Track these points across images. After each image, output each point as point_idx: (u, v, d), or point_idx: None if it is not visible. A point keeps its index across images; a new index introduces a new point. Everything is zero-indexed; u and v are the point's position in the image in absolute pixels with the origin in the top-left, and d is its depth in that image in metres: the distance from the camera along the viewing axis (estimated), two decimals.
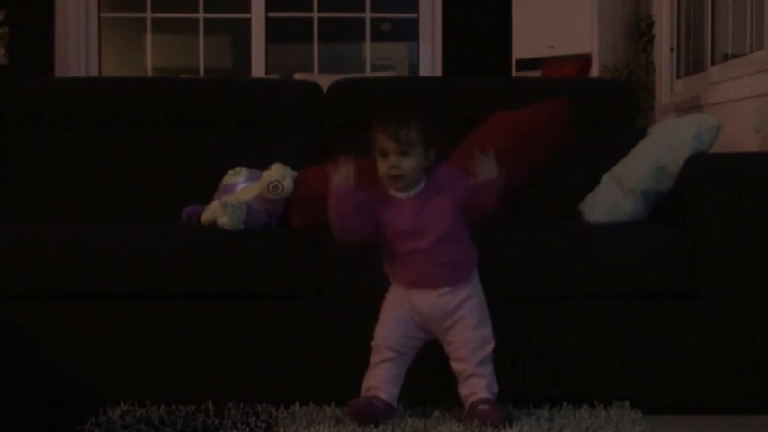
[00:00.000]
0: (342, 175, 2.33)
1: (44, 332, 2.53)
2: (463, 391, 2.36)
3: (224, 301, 2.54)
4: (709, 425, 2.44)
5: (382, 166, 2.36)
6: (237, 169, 2.83)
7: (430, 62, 6.09)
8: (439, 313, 2.36)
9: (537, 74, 5.12)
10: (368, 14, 6.38)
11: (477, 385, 2.34)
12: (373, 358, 2.39)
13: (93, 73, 5.96)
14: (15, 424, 2.44)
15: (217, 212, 2.59)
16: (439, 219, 2.35)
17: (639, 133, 2.94)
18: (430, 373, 2.42)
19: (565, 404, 2.47)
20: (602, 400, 2.48)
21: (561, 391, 2.51)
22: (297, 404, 2.49)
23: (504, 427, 2.27)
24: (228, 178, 2.82)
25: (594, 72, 5.04)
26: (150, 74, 6.43)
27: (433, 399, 2.47)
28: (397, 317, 2.38)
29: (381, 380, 2.36)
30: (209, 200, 2.78)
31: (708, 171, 2.58)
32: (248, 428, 2.30)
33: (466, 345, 2.34)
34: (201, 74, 6.33)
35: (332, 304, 2.53)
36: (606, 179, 2.84)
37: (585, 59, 5.02)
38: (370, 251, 2.43)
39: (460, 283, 2.37)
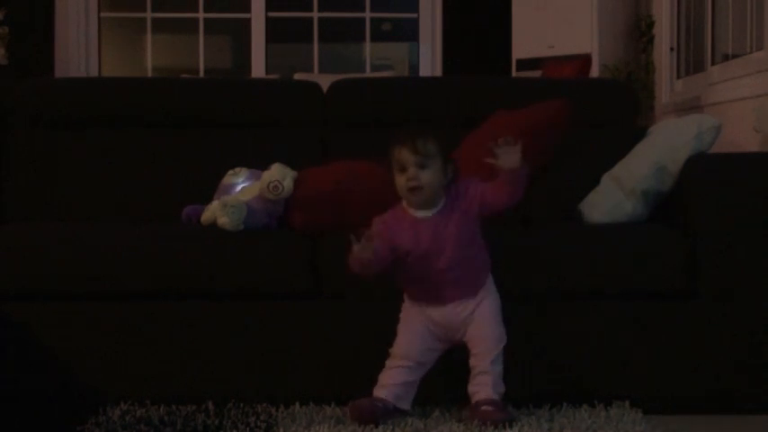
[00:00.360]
0: (361, 252, 2.27)
1: (44, 332, 2.53)
2: (470, 388, 2.37)
3: (224, 301, 2.54)
4: (709, 425, 2.44)
5: (401, 180, 2.34)
6: (237, 169, 2.82)
7: (430, 62, 6.09)
8: (453, 323, 2.38)
9: (537, 74, 5.11)
10: (368, 14, 6.38)
11: (483, 384, 2.34)
12: (389, 362, 2.40)
13: (93, 73, 5.96)
14: (15, 424, 2.44)
15: (217, 212, 2.59)
16: (457, 239, 2.34)
17: (639, 133, 2.94)
18: (431, 374, 2.41)
19: (565, 404, 2.47)
20: (602, 400, 2.48)
21: (561, 391, 2.51)
22: (297, 404, 2.49)
23: (504, 428, 2.27)
24: (228, 178, 2.82)
25: (594, 72, 5.04)
26: (150, 74, 6.43)
27: (433, 399, 2.47)
28: (415, 329, 2.39)
29: (391, 381, 2.37)
30: (209, 200, 2.78)
31: (708, 171, 2.58)
32: (248, 428, 2.30)
33: (484, 341, 2.36)
34: (201, 74, 6.33)
35: (332, 304, 2.53)
36: (606, 179, 2.84)
37: (585, 59, 5.02)
38: None
39: (471, 294, 2.38)
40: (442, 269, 2.34)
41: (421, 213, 2.37)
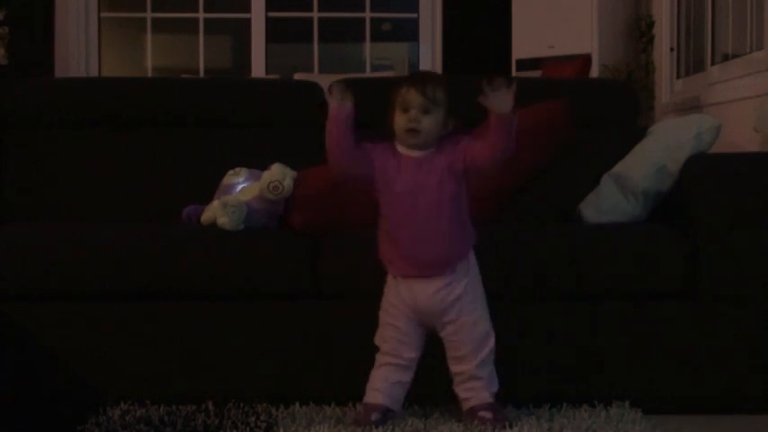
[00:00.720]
0: (337, 102, 2.28)
1: (44, 332, 2.53)
2: (462, 393, 2.35)
3: (224, 301, 2.54)
4: (709, 425, 2.44)
5: (401, 120, 2.31)
6: (237, 169, 2.82)
7: (430, 62, 6.10)
8: (435, 309, 2.32)
9: (537, 74, 5.12)
10: (368, 14, 6.38)
11: (476, 388, 2.32)
12: (379, 358, 2.38)
13: (93, 73, 5.96)
14: (15, 424, 2.44)
15: (217, 212, 2.59)
16: (438, 187, 2.29)
17: (639, 133, 2.94)
18: (430, 373, 2.41)
19: (565, 404, 2.47)
20: (602, 400, 2.48)
21: (561, 391, 2.51)
22: (297, 404, 2.49)
23: (504, 428, 2.27)
24: (228, 178, 2.82)
25: (594, 72, 5.04)
26: (150, 74, 6.43)
27: (433, 399, 2.47)
28: (397, 324, 2.35)
29: (381, 384, 2.35)
30: (209, 200, 2.78)
31: (708, 171, 2.58)
32: (248, 428, 2.30)
33: (466, 345, 2.32)
34: (201, 74, 6.33)
35: (332, 304, 2.53)
36: (606, 179, 2.84)
37: (585, 59, 5.02)
38: (370, 251, 2.43)
39: (457, 273, 2.31)
40: (420, 216, 2.28)
41: (408, 152, 2.34)
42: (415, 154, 2.33)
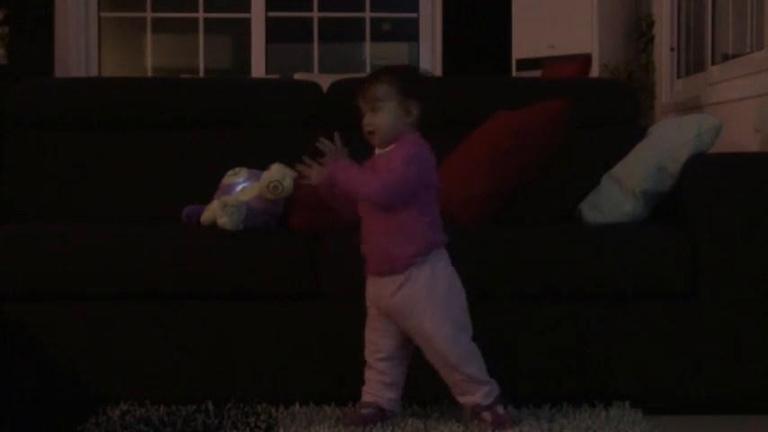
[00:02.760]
0: (319, 176, 2.31)
1: (44, 332, 2.53)
2: (458, 398, 2.33)
3: (224, 301, 2.54)
4: (709, 425, 2.44)
5: (363, 126, 2.33)
6: (237, 169, 2.82)
7: (430, 62, 6.10)
8: (392, 309, 2.29)
9: (537, 74, 5.12)
10: (368, 14, 6.38)
11: (468, 391, 2.30)
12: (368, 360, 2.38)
13: (93, 73, 5.96)
14: (15, 424, 2.44)
15: (217, 212, 2.59)
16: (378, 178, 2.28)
17: (639, 133, 2.94)
18: (430, 373, 2.41)
19: (565, 404, 2.47)
20: (602, 400, 2.48)
21: (561, 391, 2.51)
22: (297, 404, 2.49)
23: (504, 428, 2.27)
24: (228, 178, 2.82)
25: (594, 72, 5.04)
26: (150, 74, 6.43)
27: (433, 399, 2.47)
28: (371, 324, 2.35)
29: (368, 385, 2.35)
30: (209, 200, 2.78)
31: (708, 171, 2.58)
32: (248, 428, 2.30)
33: (432, 352, 2.28)
34: (201, 74, 6.33)
35: (332, 304, 2.53)
36: (606, 179, 2.84)
37: (585, 59, 5.02)
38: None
39: (410, 275, 2.25)
40: (366, 212, 2.29)
41: (378, 151, 2.35)
42: (380, 152, 2.34)
